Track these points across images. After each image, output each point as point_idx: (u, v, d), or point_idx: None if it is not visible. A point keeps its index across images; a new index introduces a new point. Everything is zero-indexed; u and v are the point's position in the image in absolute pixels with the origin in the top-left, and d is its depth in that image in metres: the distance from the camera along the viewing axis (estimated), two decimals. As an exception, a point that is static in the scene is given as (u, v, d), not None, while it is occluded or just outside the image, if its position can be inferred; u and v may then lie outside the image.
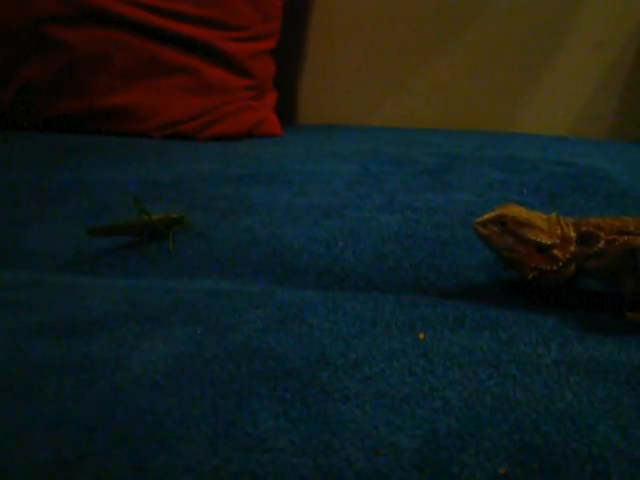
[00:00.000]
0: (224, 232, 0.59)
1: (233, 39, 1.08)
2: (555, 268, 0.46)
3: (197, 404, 0.31)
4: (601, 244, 0.45)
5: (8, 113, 1.07)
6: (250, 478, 0.26)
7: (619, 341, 0.41)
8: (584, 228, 0.46)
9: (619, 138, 1.19)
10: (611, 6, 1.16)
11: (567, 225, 0.47)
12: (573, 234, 0.46)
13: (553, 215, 0.48)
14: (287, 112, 1.21)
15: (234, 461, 0.27)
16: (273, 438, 0.28)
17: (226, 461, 0.27)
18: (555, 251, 0.46)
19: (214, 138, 1.05)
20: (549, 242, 0.46)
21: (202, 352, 0.36)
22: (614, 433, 0.29)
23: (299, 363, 0.35)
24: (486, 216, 0.48)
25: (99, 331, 0.39)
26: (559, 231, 0.46)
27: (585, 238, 0.46)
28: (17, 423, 0.30)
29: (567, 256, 0.46)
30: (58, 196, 0.70)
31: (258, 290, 0.48)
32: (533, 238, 0.46)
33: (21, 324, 0.40)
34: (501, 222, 0.47)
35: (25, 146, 0.92)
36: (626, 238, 0.45)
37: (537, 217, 0.47)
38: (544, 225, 0.47)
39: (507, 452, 0.28)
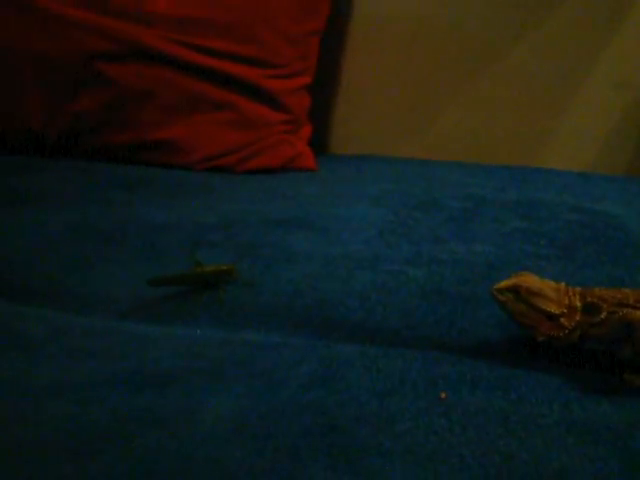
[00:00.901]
0: (268, 284, 0.66)
1: (272, 76, 1.14)
2: (562, 335, 0.53)
3: (260, 457, 0.38)
4: (603, 315, 0.52)
5: (58, 143, 1.14)
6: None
7: (614, 402, 0.47)
8: (589, 299, 0.53)
9: (637, 173, 1.24)
10: (631, 48, 1.22)
11: (574, 294, 0.54)
12: (579, 304, 0.53)
13: (562, 285, 0.55)
14: (320, 142, 1.28)
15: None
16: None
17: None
18: (562, 319, 0.53)
19: (252, 171, 1.11)
20: (557, 312, 0.53)
21: (259, 407, 0.43)
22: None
23: (341, 420, 0.42)
24: (503, 284, 0.55)
25: (169, 385, 0.46)
26: (567, 301, 0.53)
27: (589, 308, 0.53)
28: (120, 473, 0.37)
29: (573, 324, 0.52)
30: (115, 237, 0.78)
31: (301, 344, 0.55)
32: (543, 307, 0.53)
33: (94, 374, 0.48)
34: (516, 290, 0.54)
35: (77, 179, 0.99)
36: (625, 311, 0.51)
37: (548, 287, 0.54)
38: (554, 295, 0.53)
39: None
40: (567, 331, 0.52)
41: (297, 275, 0.67)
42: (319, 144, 1.23)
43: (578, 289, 0.54)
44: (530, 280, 0.55)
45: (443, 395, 0.46)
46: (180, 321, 0.61)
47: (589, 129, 1.25)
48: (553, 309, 0.53)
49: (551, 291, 0.54)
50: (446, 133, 1.30)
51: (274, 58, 1.14)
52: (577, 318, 0.53)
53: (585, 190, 1.05)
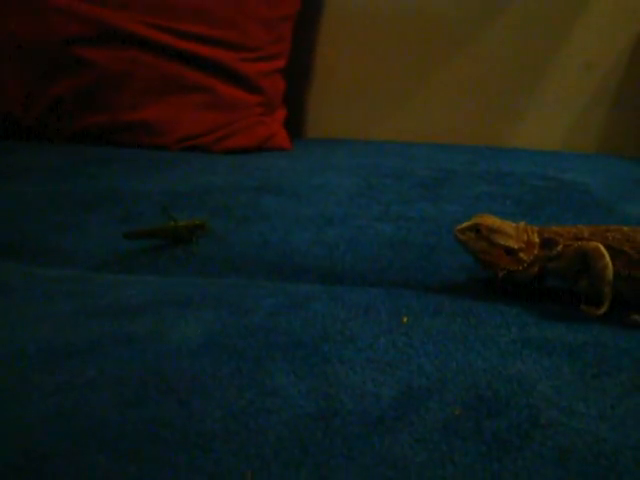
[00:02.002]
0: (240, 237, 0.68)
1: (247, 59, 1.16)
2: (521, 268, 0.55)
3: (226, 366, 0.40)
4: (559, 248, 0.54)
5: (38, 127, 1.16)
6: (268, 413, 0.35)
7: (570, 326, 0.49)
8: (546, 234, 0.55)
9: (607, 151, 1.27)
10: (600, 29, 1.25)
11: (532, 232, 0.56)
12: (537, 240, 0.55)
13: (521, 224, 0.57)
14: (295, 127, 1.30)
15: (256, 402, 0.36)
16: (285, 389, 0.37)
17: (250, 402, 0.36)
18: (521, 254, 0.55)
19: (228, 151, 1.13)
20: (516, 246, 0.55)
21: (227, 330, 0.45)
22: (549, 390, 0.38)
23: (305, 338, 0.44)
24: (464, 224, 0.57)
25: (141, 314, 0.48)
26: (525, 237, 0.55)
27: (547, 243, 0.55)
28: (85, 380, 0.39)
29: (531, 258, 0.55)
30: (94, 205, 0.79)
31: (269, 285, 0.57)
32: (502, 243, 0.55)
33: (76, 309, 0.49)
34: (476, 229, 0.56)
35: (59, 158, 1.01)
36: (580, 243, 0.53)
37: (507, 225, 0.56)
38: (513, 232, 0.56)
39: (463, 401, 0.37)
40: (526, 264, 0.55)
41: (268, 229, 0.69)
42: (294, 129, 1.25)
43: (536, 227, 0.57)
44: (490, 219, 0.57)
45: (405, 320, 0.48)
46: (154, 271, 0.63)
47: (559, 109, 1.28)
48: (512, 244, 0.55)
49: (510, 228, 0.56)
50: (419, 116, 1.32)
51: (248, 41, 1.17)
52: (535, 252, 0.55)
53: (553, 164, 1.08)
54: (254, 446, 0.33)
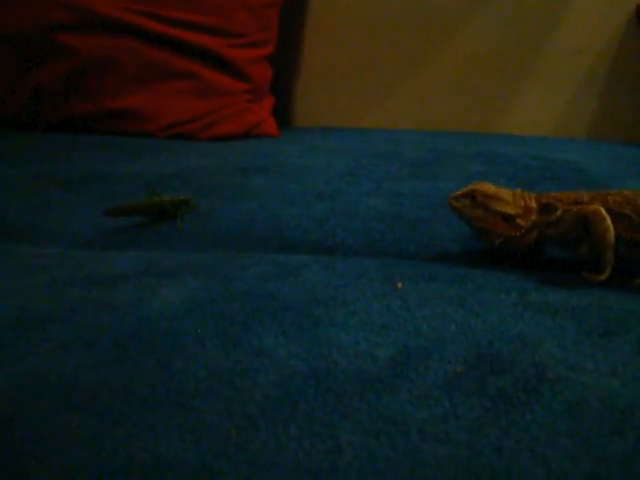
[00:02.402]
0: (227, 213, 0.65)
1: (233, 46, 1.14)
2: (518, 234, 0.52)
3: (209, 328, 0.37)
4: (559, 213, 0.52)
5: (20, 116, 1.13)
6: (255, 372, 0.32)
7: (571, 291, 0.47)
8: (544, 200, 0.53)
9: (598, 138, 1.26)
10: (589, 15, 1.24)
11: (529, 198, 0.54)
12: (534, 205, 0.53)
13: (518, 190, 0.55)
14: (283, 116, 1.28)
15: (242, 362, 0.33)
16: (274, 349, 0.35)
17: (236, 362, 0.34)
18: (518, 220, 0.53)
19: (215, 138, 1.11)
20: (513, 212, 0.53)
21: (212, 296, 0.43)
22: (555, 349, 0.36)
23: (294, 303, 0.41)
24: (459, 192, 0.55)
25: (122, 282, 0.45)
26: (522, 203, 0.53)
27: (545, 208, 0.53)
28: (60, 343, 0.36)
29: (529, 224, 0.52)
30: (76, 185, 0.77)
31: (257, 256, 0.54)
32: (499, 209, 0.53)
33: (54, 279, 0.47)
34: (471, 196, 0.54)
35: (41, 144, 0.98)
36: (579, 207, 0.51)
37: (503, 191, 0.54)
38: (509, 198, 0.54)
39: (465, 360, 0.34)
40: (523, 231, 0.52)
41: (255, 206, 0.66)
42: (282, 118, 1.23)
43: (533, 194, 0.54)
44: (485, 186, 0.55)
45: (399, 285, 0.46)
46: (137, 248, 0.60)
47: (550, 95, 1.26)
48: (509, 210, 0.53)
49: (507, 195, 0.54)
50: (409, 104, 1.30)
51: (235, 27, 1.14)
52: (533, 218, 0.53)
53: (545, 146, 1.06)
54: (239, 405, 0.30)
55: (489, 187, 0.55)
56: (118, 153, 0.94)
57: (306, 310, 0.40)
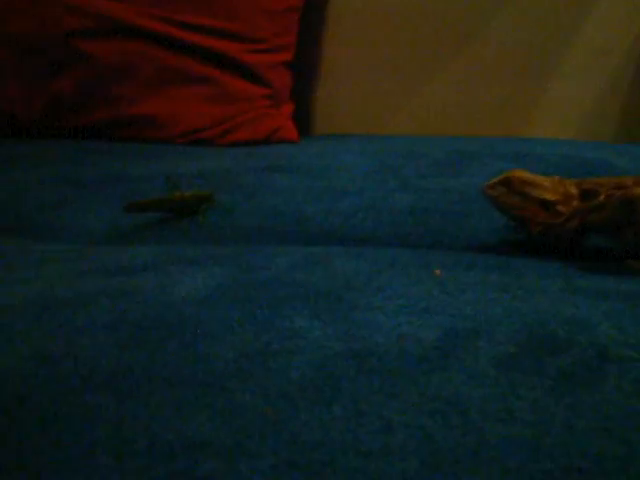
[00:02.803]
0: (249, 208, 0.63)
1: (252, 51, 1.12)
2: (559, 222, 0.49)
3: (237, 311, 0.35)
4: (601, 197, 0.49)
5: (39, 123, 1.12)
6: (289, 354, 0.30)
7: (619, 278, 0.44)
8: (585, 185, 0.50)
9: (624, 141, 1.23)
10: (613, 15, 1.21)
11: (569, 184, 0.51)
12: (575, 191, 0.50)
13: (556, 177, 0.52)
14: (302, 123, 1.26)
15: (274, 344, 0.31)
16: (308, 331, 0.32)
17: (267, 344, 0.31)
18: (559, 207, 0.50)
19: (233, 144, 1.09)
20: (553, 198, 0.50)
21: (238, 282, 0.40)
22: (613, 330, 0.33)
23: (326, 288, 0.39)
24: (494, 179, 0.52)
25: (142, 271, 0.43)
26: (562, 189, 0.50)
27: (586, 194, 0.50)
28: (76, 327, 0.34)
29: (570, 210, 0.49)
30: (93, 186, 0.75)
31: (285, 248, 0.52)
32: (538, 195, 0.50)
33: (71, 268, 0.44)
34: (508, 183, 0.51)
35: (58, 150, 0.97)
36: (624, 191, 0.48)
37: (541, 178, 0.51)
38: (548, 184, 0.51)
39: (517, 341, 0.31)
40: (564, 218, 0.49)
41: (279, 202, 0.64)
42: (301, 126, 1.21)
43: (573, 180, 0.51)
44: (522, 172, 0.52)
45: (437, 272, 0.43)
46: (159, 243, 0.58)
47: (573, 98, 1.23)
48: (548, 196, 0.50)
49: (545, 181, 0.51)
50: (430, 109, 1.28)
51: (253, 32, 1.13)
52: (574, 204, 0.50)
53: (574, 147, 1.03)
54: (274, 385, 0.27)
55: (526, 174, 0.52)
56: (136, 156, 0.92)
57: (340, 295, 0.37)
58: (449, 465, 0.22)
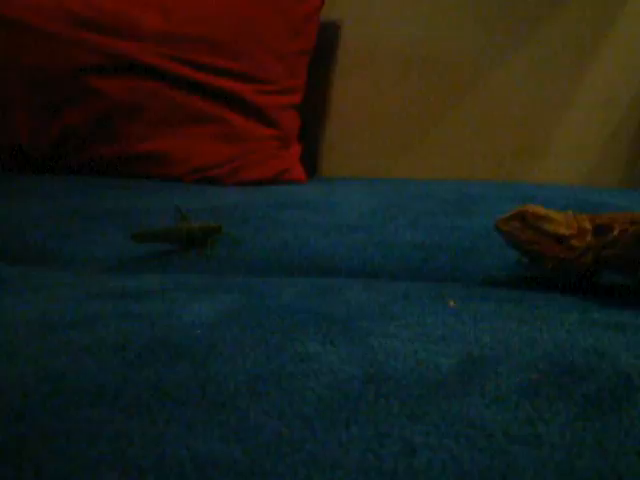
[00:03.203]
0: (258, 241, 0.62)
1: (262, 92, 1.13)
2: (573, 256, 0.49)
3: (248, 336, 0.34)
4: (615, 232, 0.48)
5: (47, 157, 1.12)
6: (304, 376, 0.28)
7: (636, 312, 0.43)
8: (598, 220, 0.49)
9: (631, 187, 1.23)
10: (619, 65, 1.22)
11: (582, 219, 0.50)
12: (589, 226, 0.49)
13: (569, 212, 0.51)
14: (309, 166, 1.26)
15: (288, 367, 0.30)
16: (321, 355, 0.31)
17: (280, 367, 0.30)
18: (573, 241, 0.49)
19: (242, 183, 1.09)
20: (567, 233, 0.49)
21: (248, 309, 0.39)
22: (635, 360, 0.32)
23: (339, 316, 0.38)
24: (507, 214, 0.52)
25: (149, 296, 0.42)
26: (575, 224, 0.50)
27: (600, 229, 0.49)
28: (81, 346, 0.33)
29: (584, 245, 0.49)
30: (101, 218, 0.74)
31: (294, 279, 0.51)
32: (552, 230, 0.49)
33: (76, 293, 0.43)
34: (521, 217, 0.51)
35: (67, 184, 0.97)
36: (638, 226, 0.48)
37: (555, 213, 0.51)
38: (562, 219, 0.50)
39: (537, 368, 0.30)
40: (579, 252, 0.49)
41: (287, 235, 0.63)
42: (308, 169, 1.21)
43: (586, 215, 0.51)
44: (536, 207, 0.52)
45: (452, 303, 0.42)
46: (165, 273, 0.57)
47: (579, 147, 1.24)
48: (562, 230, 0.49)
49: (559, 216, 0.51)
50: (437, 154, 1.29)
51: (263, 74, 1.14)
52: (588, 239, 0.49)
53: (580, 191, 1.03)
54: (289, 406, 0.26)
55: (540, 208, 0.51)
56: (144, 192, 0.92)
57: (352, 322, 0.36)
58: (477, 487, 0.21)
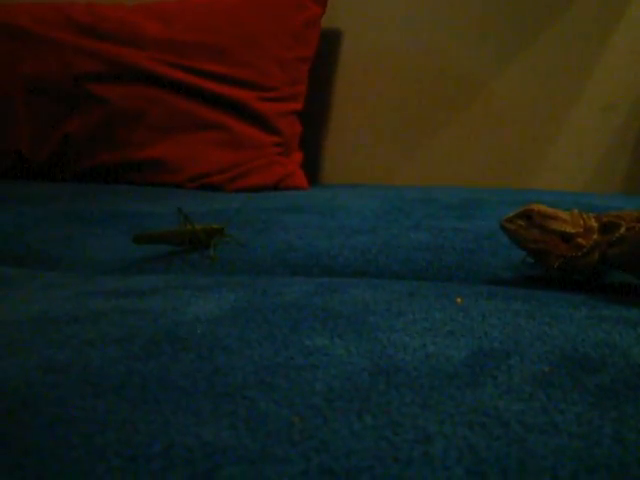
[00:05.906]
0: (262, 243, 0.62)
1: (263, 99, 1.13)
2: (580, 255, 0.48)
3: (254, 330, 0.33)
4: (622, 230, 0.48)
5: (48, 163, 1.12)
6: (313, 369, 0.28)
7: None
8: (605, 218, 0.49)
9: (631, 194, 1.23)
10: (618, 72, 1.23)
11: (588, 217, 0.50)
12: (595, 224, 0.49)
13: (575, 210, 0.51)
14: (311, 173, 1.26)
15: (296, 359, 0.29)
16: (330, 348, 0.30)
17: (288, 359, 0.29)
18: (579, 239, 0.49)
19: (242, 190, 1.08)
20: (573, 231, 0.49)
21: (253, 305, 0.39)
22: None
23: (346, 312, 0.37)
24: (512, 213, 0.51)
25: (152, 294, 0.41)
26: (581, 222, 0.49)
27: (606, 227, 0.49)
28: (85, 340, 0.32)
29: (590, 243, 0.48)
30: (102, 221, 0.74)
31: (298, 278, 0.50)
32: (558, 228, 0.49)
33: (78, 291, 0.43)
34: (527, 216, 0.50)
35: (68, 190, 0.97)
36: (645, 224, 0.47)
37: (560, 211, 0.50)
38: (567, 217, 0.50)
39: (549, 361, 0.30)
40: (585, 250, 0.48)
41: (291, 237, 0.63)
42: (310, 175, 1.21)
43: (592, 213, 0.51)
44: (541, 206, 0.51)
45: (459, 300, 0.42)
46: (168, 274, 0.56)
47: (581, 153, 1.24)
48: (569, 229, 0.49)
49: (564, 214, 0.50)
50: (437, 161, 1.29)
51: (265, 81, 1.14)
52: (594, 237, 0.49)
53: (583, 196, 1.03)
54: (300, 396, 0.26)
55: (545, 207, 0.51)
56: (145, 197, 0.91)
57: (359, 318, 0.36)
58: (496, 475, 0.20)
